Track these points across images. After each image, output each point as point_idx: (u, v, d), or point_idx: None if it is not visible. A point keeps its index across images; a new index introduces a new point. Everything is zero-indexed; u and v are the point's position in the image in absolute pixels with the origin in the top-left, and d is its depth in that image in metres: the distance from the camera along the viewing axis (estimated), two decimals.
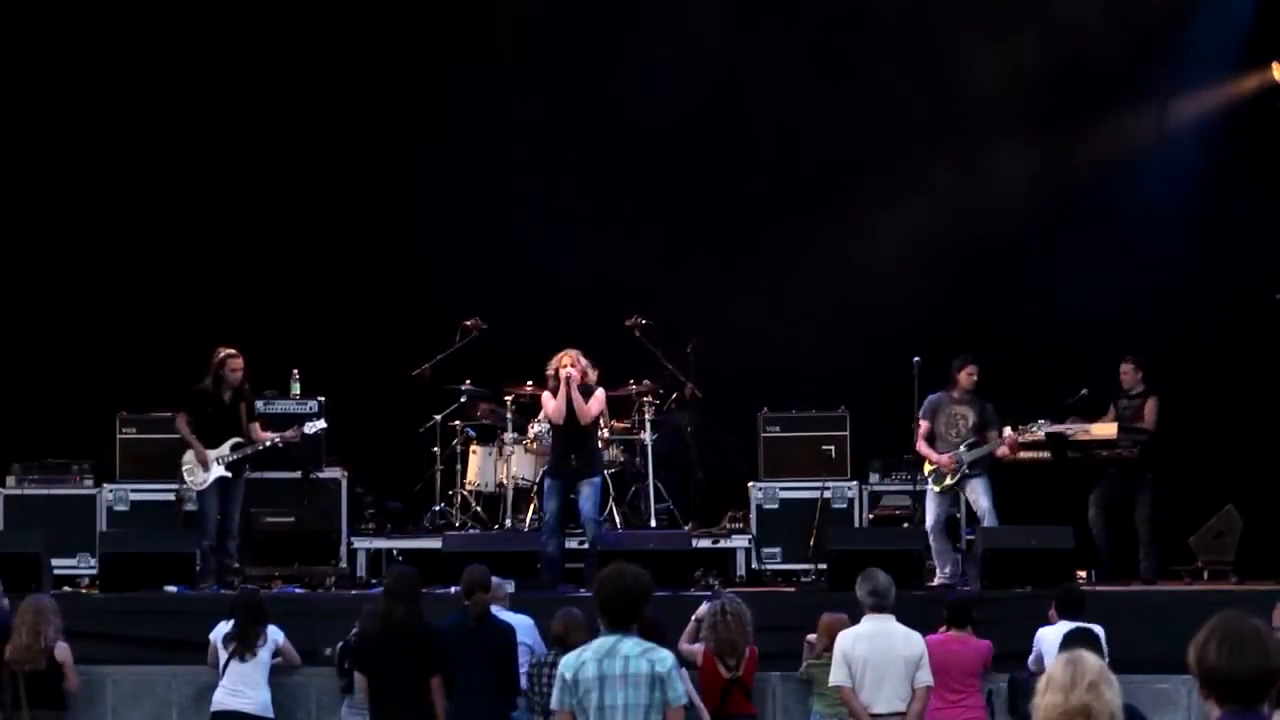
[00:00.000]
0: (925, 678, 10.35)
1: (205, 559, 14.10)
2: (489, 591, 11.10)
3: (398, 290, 16.80)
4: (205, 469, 14.34)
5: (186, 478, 14.42)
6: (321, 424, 14.93)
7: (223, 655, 11.77)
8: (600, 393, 14.32)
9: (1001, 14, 16.30)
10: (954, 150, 16.59)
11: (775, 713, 12.32)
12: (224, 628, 11.88)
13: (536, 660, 10.94)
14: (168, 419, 14.86)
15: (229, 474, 14.41)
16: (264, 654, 11.80)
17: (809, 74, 16.52)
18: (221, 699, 11.75)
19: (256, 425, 14.61)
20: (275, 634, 11.93)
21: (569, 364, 14.00)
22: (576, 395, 13.92)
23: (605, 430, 15.00)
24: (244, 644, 11.76)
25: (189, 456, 14.40)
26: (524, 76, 16.87)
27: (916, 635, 10.50)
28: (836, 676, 10.32)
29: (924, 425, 14.48)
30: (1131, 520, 14.70)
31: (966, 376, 14.40)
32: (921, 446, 14.47)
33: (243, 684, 11.73)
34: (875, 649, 10.28)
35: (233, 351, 14.47)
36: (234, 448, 14.44)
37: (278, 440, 14.61)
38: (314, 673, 12.37)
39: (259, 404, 15.09)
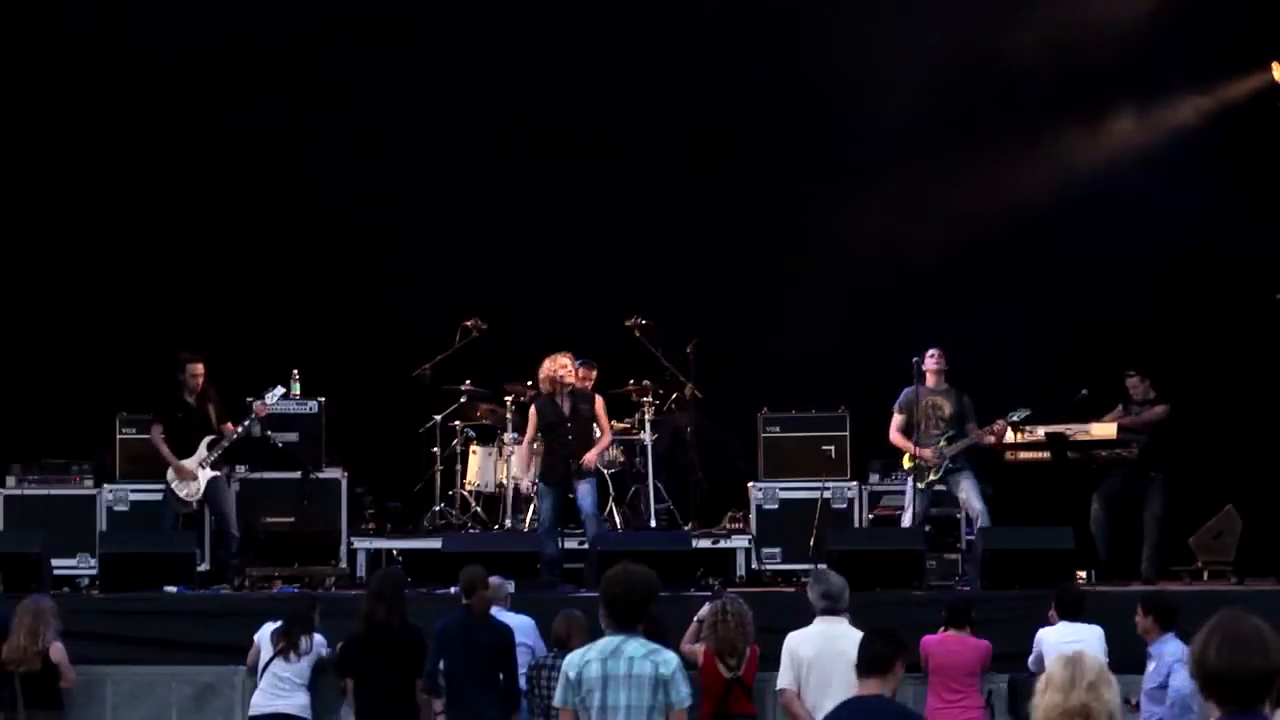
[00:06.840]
0: None
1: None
2: (489, 589, 11.07)
3: (398, 290, 16.81)
4: (193, 479, 14.39)
5: (178, 492, 14.46)
6: (280, 389, 14.83)
7: (265, 654, 11.53)
8: (600, 401, 14.35)
9: (999, 13, 16.29)
10: (952, 150, 16.57)
11: (775, 713, 12.27)
12: (270, 627, 11.63)
13: (536, 661, 10.93)
14: None
15: (215, 473, 14.48)
16: (305, 663, 11.49)
17: (805, 75, 16.52)
18: (260, 701, 11.49)
19: (228, 424, 14.65)
20: (320, 645, 11.60)
21: (565, 365, 14.00)
22: (603, 421, 14.18)
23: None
24: (290, 645, 11.47)
25: (171, 472, 14.44)
26: (522, 75, 16.87)
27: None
28: (782, 680, 9.85)
29: (898, 418, 14.46)
30: (1132, 520, 14.68)
31: (931, 361, 14.38)
32: (896, 438, 14.45)
33: (283, 686, 11.43)
34: (824, 652, 9.66)
35: (191, 355, 14.60)
36: (210, 446, 14.50)
37: (243, 428, 14.58)
38: None
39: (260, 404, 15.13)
